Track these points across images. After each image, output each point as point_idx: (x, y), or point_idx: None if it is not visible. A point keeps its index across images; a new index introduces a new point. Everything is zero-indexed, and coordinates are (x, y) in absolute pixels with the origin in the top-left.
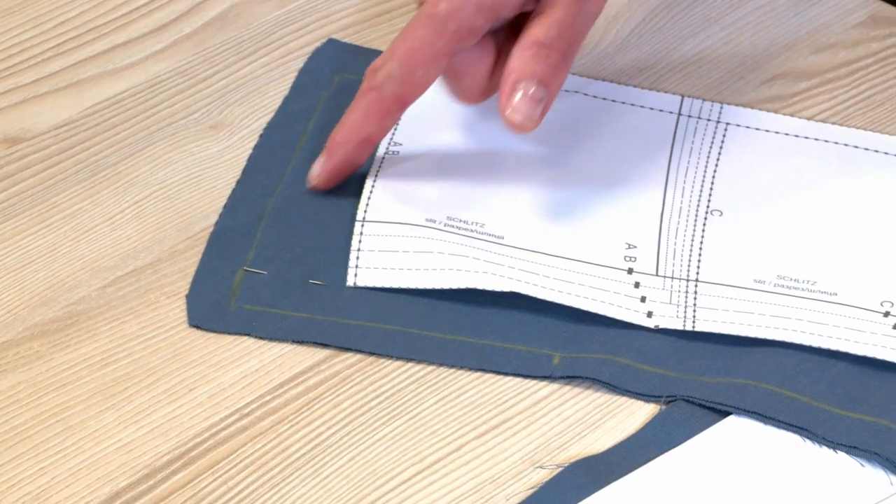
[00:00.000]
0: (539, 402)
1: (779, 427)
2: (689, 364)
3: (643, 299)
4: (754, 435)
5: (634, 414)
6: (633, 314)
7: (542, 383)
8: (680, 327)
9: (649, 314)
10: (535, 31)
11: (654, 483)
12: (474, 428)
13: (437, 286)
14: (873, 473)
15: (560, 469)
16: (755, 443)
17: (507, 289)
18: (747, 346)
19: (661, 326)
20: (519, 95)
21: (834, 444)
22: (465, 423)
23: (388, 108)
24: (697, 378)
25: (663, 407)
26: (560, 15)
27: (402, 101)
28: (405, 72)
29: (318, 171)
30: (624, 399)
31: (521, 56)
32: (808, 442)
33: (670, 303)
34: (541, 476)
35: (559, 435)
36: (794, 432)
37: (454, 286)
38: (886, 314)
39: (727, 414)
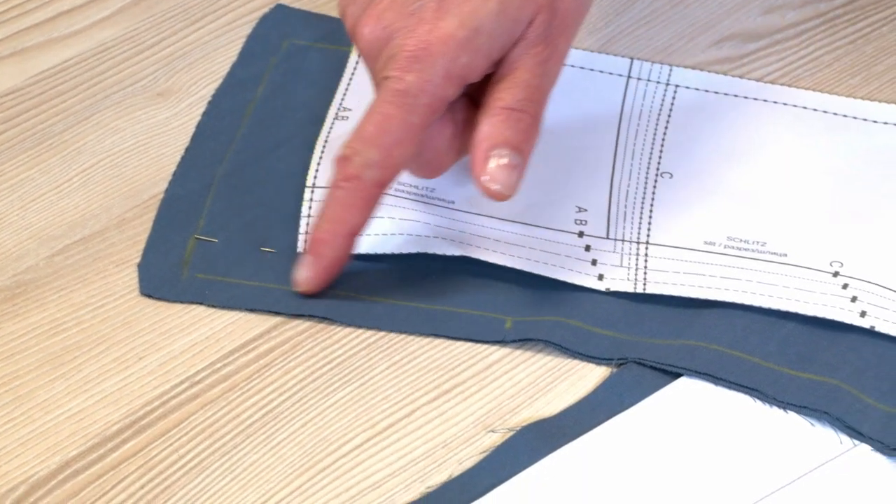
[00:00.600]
0: (490, 366)
1: (729, 388)
2: (641, 326)
3: (594, 262)
4: (705, 396)
5: (586, 377)
6: (584, 277)
7: (494, 348)
8: (631, 290)
9: (600, 277)
10: (503, 96)
11: (605, 445)
12: (426, 393)
13: (389, 252)
14: (823, 433)
15: (512, 433)
16: (706, 404)
17: (457, 253)
18: (698, 307)
19: (612, 289)
20: (493, 163)
21: (784, 404)
22: (417, 388)
23: (370, 196)
24: (648, 340)
25: (614, 370)
26: (526, 77)
27: (382, 185)
28: (383, 155)
29: (306, 275)
30: (575, 362)
31: (492, 122)
32: (759, 402)
33: (621, 265)
34: (493, 440)
35: (511, 399)
36: (745, 393)
37: (405, 251)
38: (836, 274)
39: (678, 375)
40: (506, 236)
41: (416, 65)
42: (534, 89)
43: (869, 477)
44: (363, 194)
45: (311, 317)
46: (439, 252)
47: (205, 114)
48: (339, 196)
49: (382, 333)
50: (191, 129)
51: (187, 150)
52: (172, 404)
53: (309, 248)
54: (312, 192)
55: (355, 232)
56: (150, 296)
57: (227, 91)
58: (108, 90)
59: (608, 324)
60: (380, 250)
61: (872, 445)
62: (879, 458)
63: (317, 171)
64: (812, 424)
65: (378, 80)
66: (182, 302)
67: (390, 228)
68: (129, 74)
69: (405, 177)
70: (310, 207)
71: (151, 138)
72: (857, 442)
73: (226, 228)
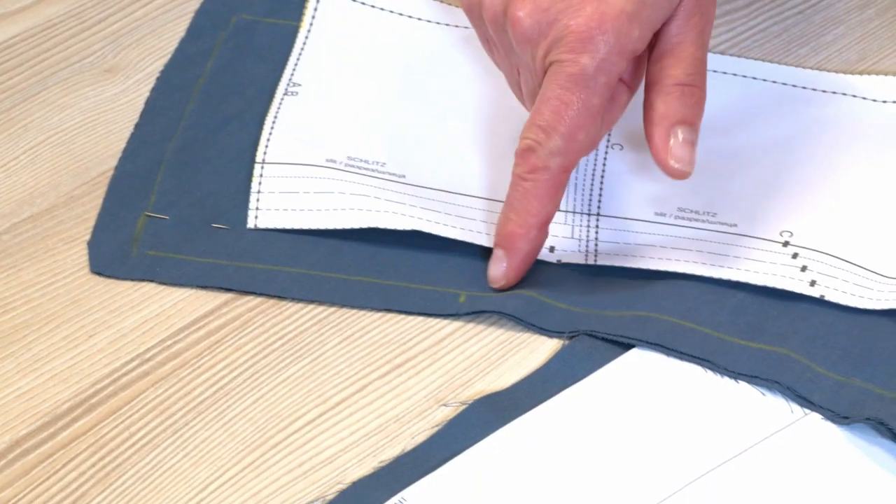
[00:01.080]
0: (442, 340)
1: (681, 359)
2: (592, 298)
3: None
4: (657, 367)
5: (538, 350)
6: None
7: (446, 322)
8: (582, 262)
9: (552, 249)
10: (674, 73)
11: (558, 417)
12: (378, 368)
13: (340, 226)
14: (774, 402)
15: (464, 406)
16: (657, 375)
17: (409, 227)
18: (649, 278)
19: (564, 261)
20: (675, 142)
21: (735, 374)
22: (369, 362)
23: (559, 183)
24: (600, 312)
25: (566, 342)
26: (691, 49)
27: (569, 170)
28: (567, 141)
29: (504, 272)
30: (527, 335)
31: (667, 100)
32: (710, 373)
33: (572, 237)
34: (445, 414)
35: (463, 372)
36: (696, 363)
37: (357, 226)
38: (786, 244)
39: (630, 347)
40: (458, 210)
41: (589, 45)
42: (699, 62)
43: (819, 445)
44: (552, 183)
45: (262, 293)
46: (391, 226)
47: (153, 90)
48: (528, 188)
49: (334, 308)
50: (140, 105)
51: (136, 126)
52: (123, 382)
53: (502, 243)
54: (263, 167)
55: (548, 221)
56: (99, 273)
57: (176, 67)
58: (55, 67)
59: (560, 296)
60: (331, 225)
61: (823, 414)
62: (830, 427)
63: (267, 146)
64: (763, 394)
65: (543, 64)
66: (132, 279)
67: (341, 203)
68: (76, 51)
69: (355, 151)
70: (259, 183)
71: (100, 115)
72: (807, 411)
73: (176, 205)
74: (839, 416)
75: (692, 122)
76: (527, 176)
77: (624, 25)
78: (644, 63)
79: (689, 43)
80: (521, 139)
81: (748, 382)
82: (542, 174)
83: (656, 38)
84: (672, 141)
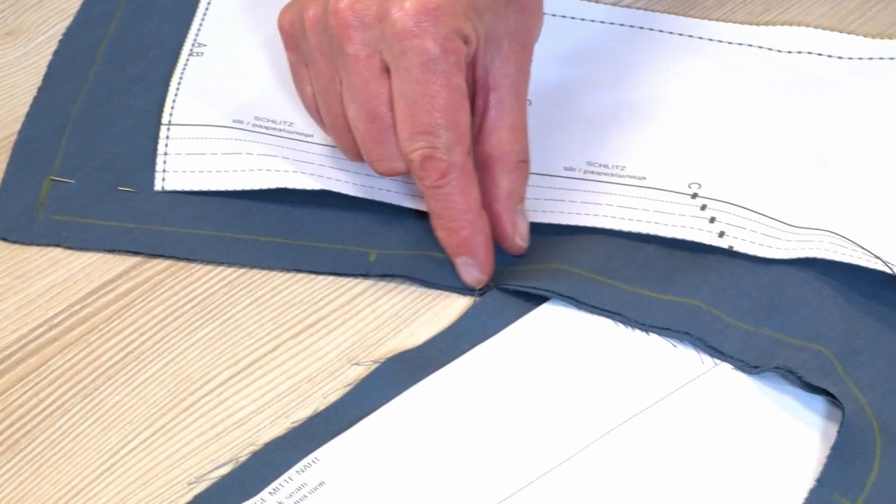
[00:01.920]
0: (353, 299)
1: (592, 312)
2: (502, 253)
3: None
4: (568, 321)
5: (449, 306)
6: None
7: (357, 281)
8: None
9: None
10: (516, 148)
11: (470, 374)
12: (289, 328)
13: (248, 187)
14: (685, 353)
15: (376, 365)
16: (569, 329)
17: (318, 187)
18: (560, 233)
19: None
20: (521, 220)
21: (646, 327)
22: (280, 323)
23: (469, 168)
24: (511, 267)
25: (477, 298)
26: (516, 120)
27: (469, 152)
28: (456, 128)
29: (477, 275)
30: (438, 292)
31: (512, 178)
32: (621, 325)
33: None
34: (357, 373)
35: (374, 331)
36: (608, 316)
37: (265, 187)
38: (694, 196)
39: (541, 302)
40: (367, 169)
41: (426, 28)
42: (525, 131)
43: (730, 395)
44: (464, 173)
45: (170, 256)
46: (300, 186)
47: (56, 53)
48: (447, 192)
49: (244, 270)
50: (42, 68)
51: (39, 90)
52: (31, 348)
53: (459, 252)
54: (169, 129)
55: (480, 203)
56: (4, 239)
57: (79, 29)
58: None
59: None
60: (240, 186)
61: (733, 364)
62: (740, 377)
63: (172, 107)
64: (674, 345)
65: (378, 61)
66: (38, 244)
67: (249, 164)
68: None
69: (262, 111)
70: (166, 145)
71: (1, 79)
72: (718, 361)
73: (82, 169)
74: (749, 366)
75: (524, 198)
76: (439, 183)
77: (452, 8)
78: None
79: (508, 111)
80: (407, 153)
81: (659, 334)
82: (451, 172)
83: (482, 81)
84: (518, 219)
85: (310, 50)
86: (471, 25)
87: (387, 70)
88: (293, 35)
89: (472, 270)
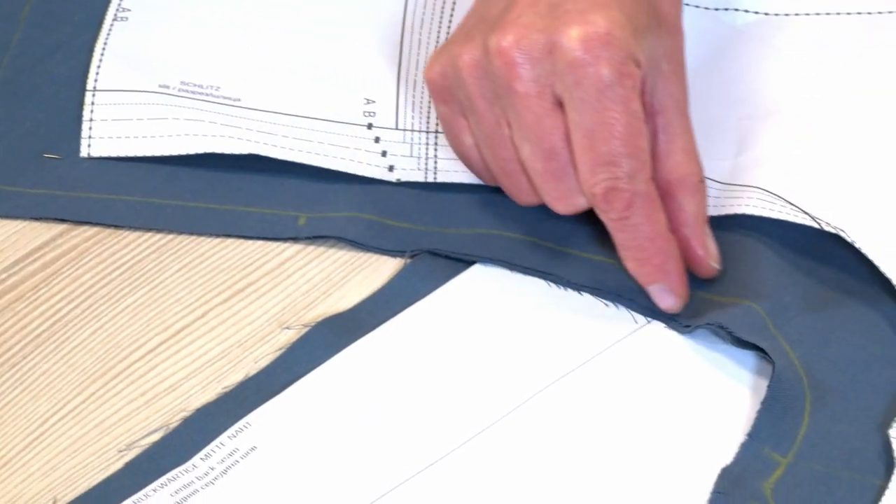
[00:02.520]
0: (283, 263)
1: (524, 273)
2: (433, 216)
3: (384, 154)
4: (499, 283)
5: (379, 269)
6: (374, 169)
7: (286, 245)
8: (422, 179)
9: (391, 168)
10: (694, 169)
11: (401, 336)
12: (219, 293)
13: (175, 153)
14: (617, 313)
15: (307, 329)
16: (501, 290)
17: (246, 151)
18: (490, 193)
19: (404, 179)
20: (710, 241)
21: (578, 287)
22: (210, 289)
23: (654, 193)
24: (442, 230)
25: (408, 261)
26: (687, 141)
27: (652, 177)
28: (637, 155)
29: (672, 301)
30: (369, 255)
31: (695, 199)
32: (553, 286)
33: (411, 156)
34: (288, 337)
35: (305, 295)
36: (539, 277)
37: (192, 151)
38: None
39: (472, 264)
40: (294, 132)
41: (601, 53)
42: (696, 150)
43: (662, 352)
44: (650, 199)
45: (98, 223)
46: (227, 151)
47: None
48: (635, 222)
49: (172, 236)
50: None
51: None
52: None
53: (652, 279)
54: (94, 95)
55: (667, 226)
56: None
57: None
58: None
59: (401, 215)
60: (167, 151)
61: (665, 322)
62: (672, 334)
63: (97, 73)
64: (606, 305)
65: (551, 95)
66: None
67: (176, 129)
68: None
69: (188, 75)
70: (91, 111)
71: None
72: (650, 319)
73: (6, 136)
74: (681, 325)
75: (708, 216)
76: (626, 214)
77: (622, 32)
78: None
79: (681, 133)
80: (589, 187)
81: (591, 294)
82: (637, 201)
83: (649, 106)
84: (708, 242)
85: (469, 98)
86: (640, 48)
87: (560, 104)
88: (446, 86)
89: (667, 297)
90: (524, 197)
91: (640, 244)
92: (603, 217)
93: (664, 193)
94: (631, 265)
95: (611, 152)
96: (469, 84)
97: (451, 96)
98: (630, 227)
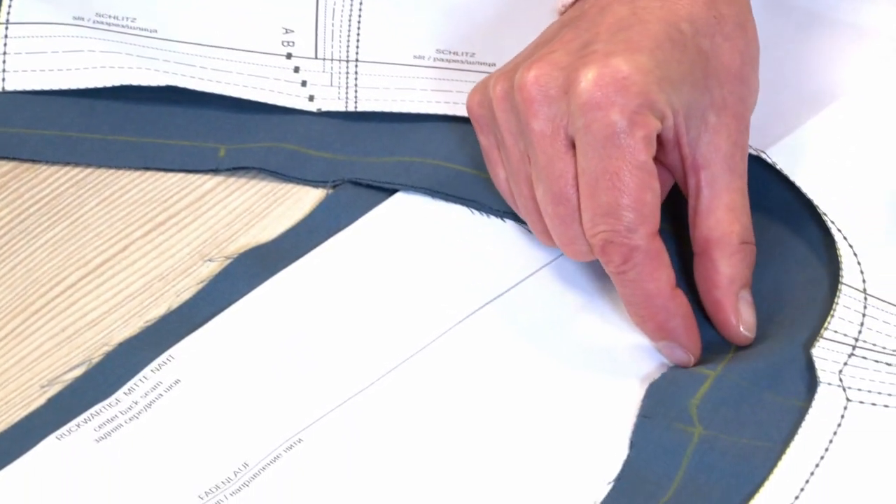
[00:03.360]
0: (204, 195)
1: (446, 200)
2: (355, 146)
3: (304, 83)
4: (422, 211)
5: (301, 200)
6: (294, 99)
7: (207, 177)
8: (342, 108)
9: (311, 98)
10: (736, 229)
11: (324, 267)
12: (140, 227)
13: (92, 85)
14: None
15: (229, 261)
16: (424, 218)
17: (164, 83)
18: (412, 122)
19: (324, 109)
20: (745, 308)
21: (501, 213)
22: (130, 222)
23: (658, 246)
24: (363, 159)
25: (330, 191)
26: (734, 198)
27: (657, 231)
28: (640, 209)
29: (685, 352)
30: (290, 186)
31: (732, 262)
32: (477, 213)
33: (331, 85)
34: (210, 269)
35: (226, 227)
36: (462, 204)
37: (109, 84)
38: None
39: (394, 192)
40: (212, 63)
41: (614, 99)
42: (747, 211)
43: (586, 278)
44: (652, 255)
45: (14, 157)
46: (145, 83)
47: None
48: (633, 277)
49: (91, 169)
50: None
51: None
52: None
53: (660, 336)
54: (7, 28)
55: (674, 279)
56: None
57: None
58: None
59: (322, 145)
60: (83, 84)
61: None
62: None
63: (10, 6)
64: (529, 231)
65: (565, 135)
66: None
67: (92, 62)
68: None
69: (103, 7)
70: (5, 45)
71: None
72: None
73: None
74: None
75: (750, 283)
76: (623, 268)
77: (643, 78)
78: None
79: (726, 189)
80: (591, 237)
81: (514, 221)
82: (636, 256)
83: (691, 159)
84: (742, 307)
85: (500, 130)
86: (664, 98)
87: (573, 146)
88: (483, 116)
89: (678, 352)
90: (542, 237)
91: (640, 301)
92: (606, 269)
93: (702, 252)
94: (634, 320)
95: (611, 203)
96: (499, 117)
97: (488, 128)
98: (629, 283)
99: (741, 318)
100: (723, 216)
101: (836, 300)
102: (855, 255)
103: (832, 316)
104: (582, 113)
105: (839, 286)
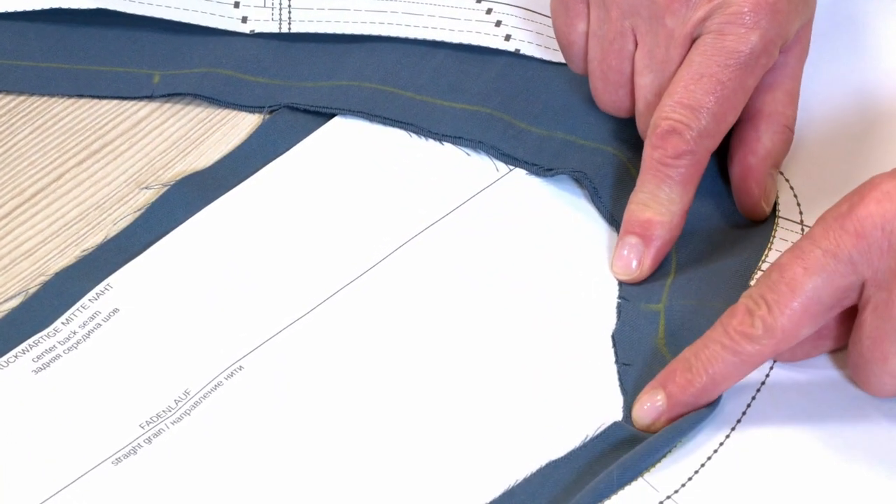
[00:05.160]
0: (139, 122)
1: (384, 124)
2: (291, 70)
3: (237, 5)
4: (360, 135)
5: (238, 126)
6: (226, 21)
7: (142, 104)
8: (276, 30)
9: (244, 20)
10: (789, 113)
11: (262, 193)
12: (74, 155)
13: (21, 9)
14: (479, 161)
15: (166, 188)
16: (362, 142)
17: (95, 6)
18: (348, 44)
19: (257, 31)
20: (770, 183)
21: (439, 136)
22: (64, 150)
23: (703, 166)
24: (300, 84)
25: (267, 116)
26: (794, 86)
27: (712, 152)
28: (719, 124)
29: (639, 263)
30: (226, 112)
31: (775, 139)
32: (414, 136)
33: (265, 6)
34: (147, 197)
35: (162, 154)
36: (400, 128)
37: (39, 7)
38: (479, 0)
39: (331, 117)
40: None
41: (762, 21)
42: (798, 99)
43: (525, 200)
44: (697, 168)
45: None
46: (76, 6)
47: None
48: (671, 174)
49: (23, 97)
50: None
51: None
52: None
53: (636, 230)
54: None
55: (689, 207)
56: None
57: None
58: None
59: (258, 70)
60: (12, 8)
61: (527, 169)
62: (534, 181)
63: None
64: (468, 154)
65: (692, 30)
66: None
67: None
68: None
69: None
70: None
71: None
72: (512, 167)
73: None
74: (543, 169)
75: (780, 163)
76: (670, 161)
77: (787, 6)
78: None
79: (798, 66)
80: (658, 119)
81: (453, 143)
82: (687, 159)
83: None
84: (768, 181)
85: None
86: (792, 31)
87: (692, 39)
88: None
89: (632, 255)
90: (613, 105)
91: (658, 196)
92: (646, 152)
93: (749, 122)
94: (632, 203)
95: (702, 102)
96: None
97: None
98: (661, 177)
99: (764, 192)
100: (781, 96)
101: (772, 233)
102: (791, 188)
103: (769, 248)
104: (724, 19)
105: (776, 220)
